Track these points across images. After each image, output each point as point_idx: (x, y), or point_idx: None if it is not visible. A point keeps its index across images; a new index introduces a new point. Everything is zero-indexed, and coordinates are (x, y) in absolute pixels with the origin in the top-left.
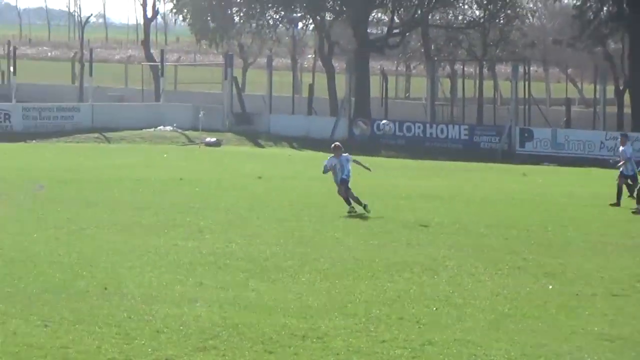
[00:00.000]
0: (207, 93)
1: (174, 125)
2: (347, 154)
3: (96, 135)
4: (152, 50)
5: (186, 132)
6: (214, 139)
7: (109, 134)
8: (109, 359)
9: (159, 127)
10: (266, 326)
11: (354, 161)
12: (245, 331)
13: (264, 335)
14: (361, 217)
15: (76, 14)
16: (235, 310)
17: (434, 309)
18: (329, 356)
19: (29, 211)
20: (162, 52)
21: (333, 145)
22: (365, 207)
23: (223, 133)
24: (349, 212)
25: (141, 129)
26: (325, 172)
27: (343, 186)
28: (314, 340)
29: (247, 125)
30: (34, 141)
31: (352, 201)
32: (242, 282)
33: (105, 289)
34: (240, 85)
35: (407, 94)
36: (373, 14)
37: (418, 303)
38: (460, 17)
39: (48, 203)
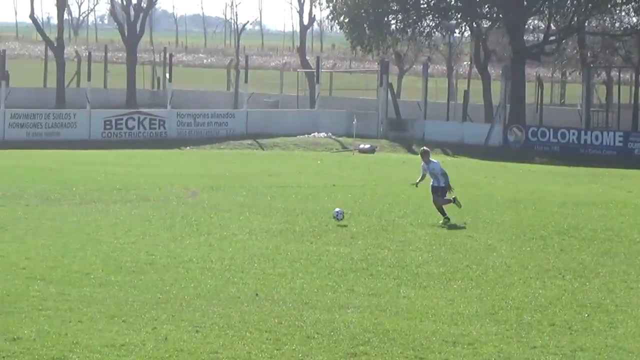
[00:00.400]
0: (362, 99)
1: (329, 132)
2: (437, 163)
3: (250, 142)
4: (307, 57)
5: (340, 139)
6: (368, 146)
7: (262, 141)
8: None
9: (313, 134)
10: (417, 332)
11: (445, 175)
12: (396, 337)
13: (414, 342)
14: (516, 223)
15: (232, 21)
16: (387, 316)
17: (586, 315)
18: None
19: (182, 217)
20: (317, 59)
21: (421, 149)
22: (445, 220)
23: (377, 139)
24: (444, 223)
25: (295, 136)
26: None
27: (435, 195)
28: (465, 346)
29: (402, 132)
30: (187, 148)
31: (445, 210)
32: (394, 288)
33: (257, 294)
34: (395, 92)
35: (562, 101)
36: (529, 21)
37: (569, 309)
38: (617, 24)
39: (201, 209)
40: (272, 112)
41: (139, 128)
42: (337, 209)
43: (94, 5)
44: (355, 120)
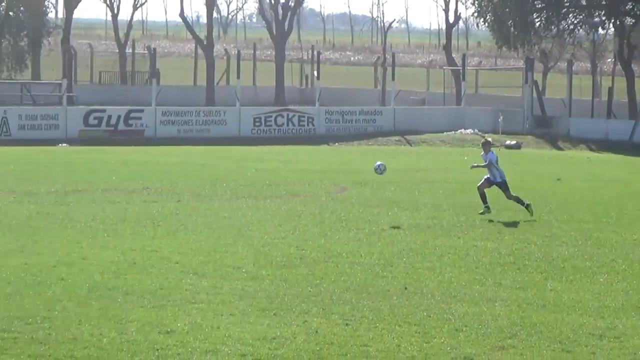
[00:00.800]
0: (507, 97)
1: (475, 128)
2: (494, 155)
3: (397, 138)
4: (453, 55)
5: (486, 135)
6: (514, 142)
7: (410, 137)
8: (408, 357)
9: (459, 130)
10: (564, 325)
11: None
12: (543, 330)
13: (561, 334)
14: None
15: (379, 19)
16: (534, 309)
17: None
18: (626, 355)
19: (331, 212)
20: (463, 57)
21: (483, 141)
22: (485, 209)
23: (523, 136)
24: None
25: (442, 132)
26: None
27: (506, 192)
28: (611, 339)
29: (547, 129)
30: (336, 144)
31: (487, 201)
32: (540, 282)
33: (405, 288)
34: (540, 89)
35: None
36: None
37: None
38: None
39: (349, 205)
40: (419, 109)
41: (287, 125)
42: (378, 163)
43: (243, 4)
44: (501, 117)
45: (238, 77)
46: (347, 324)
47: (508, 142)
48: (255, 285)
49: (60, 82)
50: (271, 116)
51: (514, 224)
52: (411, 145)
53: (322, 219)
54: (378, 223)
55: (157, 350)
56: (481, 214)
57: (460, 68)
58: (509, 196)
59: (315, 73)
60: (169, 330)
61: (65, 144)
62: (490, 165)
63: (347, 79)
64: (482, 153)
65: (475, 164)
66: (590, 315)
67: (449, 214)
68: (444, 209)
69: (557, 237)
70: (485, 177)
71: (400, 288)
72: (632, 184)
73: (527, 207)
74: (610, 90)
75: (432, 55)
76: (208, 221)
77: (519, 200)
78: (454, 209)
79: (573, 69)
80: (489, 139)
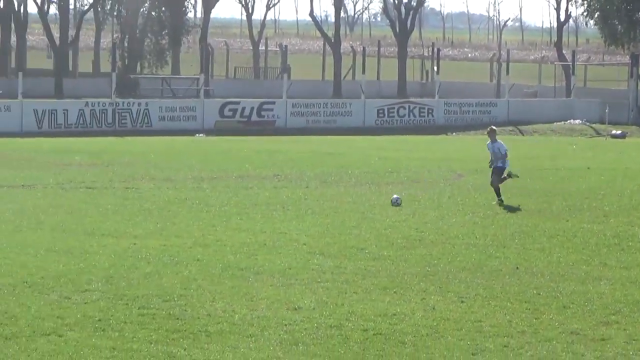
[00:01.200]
0: (613, 89)
1: (583, 119)
2: (502, 144)
3: (511, 128)
4: (564, 51)
5: (593, 125)
6: (619, 132)
7: (522, 127)
8: (518, 332)
9: (569, 121)
10: None
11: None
12: None
13: None
14: None
15: (495, 18)
16: (637, 287)
17: None
18: None
19: (449, 197)
20: (573, 53)
21: (488, 129)
22: (499, 201)
23: (628, 126)
24: (498, 204)
25: (552, 123)
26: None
27: (496, 176)
28: None
29: None
30: (454, 134)
31: (500, 192)
32: None
33: (517, 268)
34: None
35: None
36: None
37: None
38: None
39: (466, 190)
40: (531, 101)
41: (409, 116)
42: (395, 196)
43: (368, 4)
44: (607, 108)
45: (363, 72)
46: (462, 301)
47: (614, 131)
48: (377, 265)
49: (197, 76)
50: (394, 108)
51: (620, 209)
52: (523, 135)
53: (440, 203)
54: (492, 207)
55: (285, 325)
56: (497, 203)
57: (570, 63)
58: (494, 181)
59: (435, 68)
60: (296, 307)
61: (202, 134)
62: (495, 153)
63: (464, 73)
64: (489, 141)
65: (505, 175)
66: None
67: (557, 199)
68: (553, 194)
69: None
70: (496, 165)
71: (512, 268)
72: None
73: (500, 202)
74: None
75: (543, 52)
76: (334, 205)
77: (497, 191)
78: (563, 195)
79: None
80: (495, 128)
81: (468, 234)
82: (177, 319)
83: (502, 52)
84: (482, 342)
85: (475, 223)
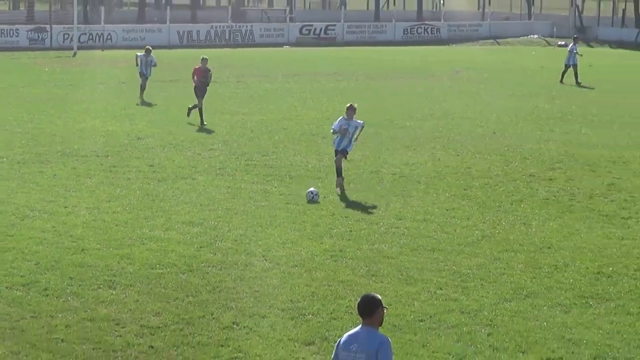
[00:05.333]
0: (561, 15)
1: (539, 34)
2: (361, 120)
3: (491, 41)
4: None
5: (546, 39)
6: (563, 42)
7: (499, 40)
8: (495, 174)
9: (529, 36)
10: None
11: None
12: None
13: None
14: None
15: None
16: (573, 145)
17: None
18: None
19: (450, 87)
20: None
21: (348, 105)
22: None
23: (569, 38)
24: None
25: (519, 37)
26: (333, 133)
27: (342, 155)
28: None
29: (583, 34)
30: (453, 45)
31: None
32: None
33: (494, 133)
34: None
35: None
36: None
37: None
38: None
39: (463, 81)
40: (504, 22)
41: (424, 33)
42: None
43: None
44: (555, 27)
45: (395, 4)
46: (457, 155)
47: (559, 42)
48: (402, 131)
49: (285, 8)
50: (414, 28)
51: (562, 92)
52: (499, 45)
53: (444, 89)
54: (477, 91)
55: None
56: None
57: None
58: (339, 160)
59: (442, 1)
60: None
61: (288, 46)
62: (346, 132)
63: (460, 4)
64: (344, 117)
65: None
66: None
67: (521, 87)
68: (520, 85)
69: None
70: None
71: (491, 133)
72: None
73: (341, 188)
74: None
75: None
76: (375, 92)
77: (339, 171)
78: (527, 85)
79: None
80: (355, 105)
81: (464, 111)
82: (270, 167)
83: None
84: (470, 182)
85: (467, 105)
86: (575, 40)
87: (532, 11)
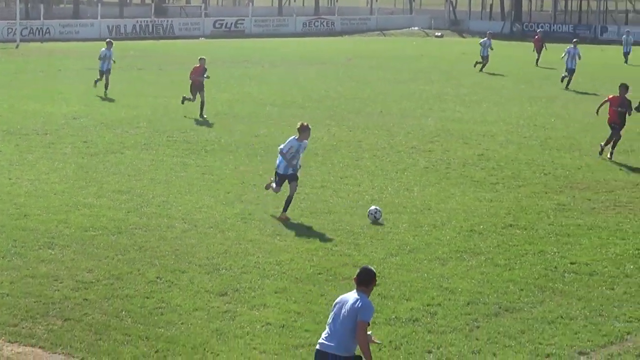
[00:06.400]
0: (438, 9)
1: (419, 27)
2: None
3: (378, 32)
4: None
5: (425, 30)
6: (439, 34)
7: (385, 32)
8: (380, 147)
9: (410, 28)
10: None
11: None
12: None
13: None
14: None
15: None
16: (450, 121)
17: None
18: None
19: (343, 72)
20: None
21: (301, 124)
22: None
23: (445, 30)
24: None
25: (402, 29)
26: (281, 154)
27: (285, 180)
28: None
29: (456, 26)
30: (346, 36)
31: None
32: None
33: (381, 111)
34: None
35: None
36: None
37: None
38: None
39: (353, 67)
40: (389, 16)
41: (321, 26)
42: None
43: None
44: (432, 20)
45: (295, 0)
46: (350, 131)
47: (437, 34)
48: (315, 103)
49: (201, 5)
50: (312, 21)
51: (440, 74)
52: (385, 36)
53: (338, 74)
54: (370, 77)
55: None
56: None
57: None
58: (293, 189)
59: None
60: (257, 134)
61: (203, 38)
62: (297, 155)
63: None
64: (295, 137)
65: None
66: None
67: (404, 72)
68: (402, 70)
69: None
70: (284, 172)
71: (378, 111)
72: None
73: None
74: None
75: None
76: (279, 77)
77: (286, 204)
78: (407, 71)
79: None
80: (308, 125)
81: (355, 93)
82: (188, 142)
83: None
84: (361, 154)
85: (358, 88)
86: (489, 36)
87: (412, 6)
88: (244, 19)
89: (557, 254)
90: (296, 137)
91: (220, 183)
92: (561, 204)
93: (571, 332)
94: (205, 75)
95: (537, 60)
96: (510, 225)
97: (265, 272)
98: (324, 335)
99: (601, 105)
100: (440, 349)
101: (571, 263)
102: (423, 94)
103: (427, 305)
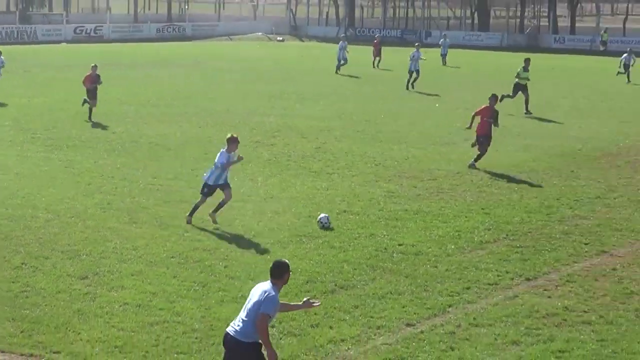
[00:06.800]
0: (280, 17)
1: (262, 32)
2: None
3: (225, 37)
4: None
5: (268, 35)
6: (281, 38)
7: (232, 37)
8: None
9: (254, 33)
10: None
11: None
12: None
13: None
14: None
15: None
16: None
17: None
18: None
19: (201, 76)
20: None
21: (230, 136)
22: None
23: (285, 35)
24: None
25: (247, 34)
26: (216, 169)
27: (216, 190)
28: None
29: (296, 31)
30: (198, 41)
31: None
32: None
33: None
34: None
35: None
36: None
37: None
38: None
39: (207, 69)
40: (237, 23)
41: (175, 31)
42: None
43: None
44: (273, 26)
45: (149, 9)
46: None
47: (279, 38)
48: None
49: (62, 13)
50: (166, 27)
51: (298, 72)
52: (232, 40)
53: (190, 75)
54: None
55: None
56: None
57: (254, 3)
58: (229, 196)
59: (187, 7)
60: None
61: (64, 43)
62: (227, 166)
63: (204, 9)
64: (224, 150)
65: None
66: None
67: (250, 73)
68: (249, 70)
69: None
70: (215, 182)
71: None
72: None
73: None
74: None
75: None
76: (132, 80)
77: (220, 207)
78: (256, 70)
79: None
80: (237, 136)
81: (204, 92)
82: (51, 139)
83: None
84: (209, 148)
85: (207, 87)
86: (417, 47)
87: (256, 14)
88: (102, 26)
89: (386, 236)
90: (225, 149)
91: (80, 176)
92: (390, 191)
93: (399, 306)
94: (98, 82)
95: (374, 62)
96: (345, 211)
97: (122, 257)
98: (235, 319)
99: (473, 118)
100: (282, 324)
101: (399, 244)
102: (266, 93)
103: None
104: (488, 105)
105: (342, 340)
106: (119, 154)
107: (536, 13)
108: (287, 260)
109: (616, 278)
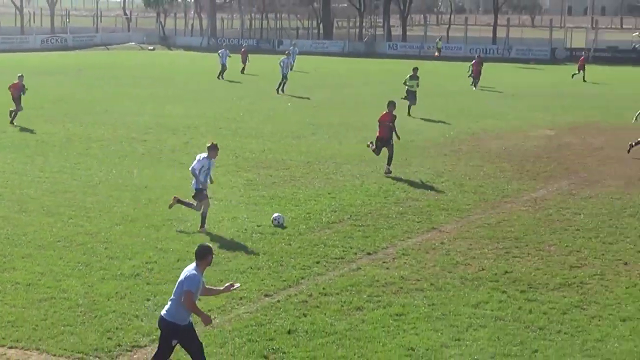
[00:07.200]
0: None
1: (137, 42)
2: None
3: (159, 46)
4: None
5: (141, 45)
6: (152, 47)
7: (169, 44)
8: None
9: (128, 43)
10: None
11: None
12: None
13: None
14: None
15: None
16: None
17: None
18: None
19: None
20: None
21: (211, 143)
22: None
23: (157, 44)
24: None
25: (125, 43)
26: (194, 174)
27: (201, 197)
28: None
29: (165, 41)
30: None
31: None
32: None
33: (288, 104)
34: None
35: None
36: None
37: None
38: None
39: (87, 78)
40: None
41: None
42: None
43: None
44: (145, 36)
45: (54, 23)
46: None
47: (150, 47)
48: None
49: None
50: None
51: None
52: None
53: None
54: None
55: None
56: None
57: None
58: (203, 205)
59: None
60: None
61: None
62: (208, 171)
63: None
64: (204, 155)
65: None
66: None
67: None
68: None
69: None
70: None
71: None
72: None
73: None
74: None
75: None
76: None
77: (204, 219)
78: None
79: None
80: (217, 143)
81: (84, 96)
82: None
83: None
84: (90, 144)
85: (87, 92)
86: (288, 55)
87: (130, 26)
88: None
89: (247, 219)
90: (205, 155)
91: None
92: (249, 179)
93: (258, 279)
94: (23, 91)
95: (243, 69)
96: (210, 198)
97: (14, 242)
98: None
99: (378, 124)
100: (157, 297)
101: (257, 226)
102: (139, 96)
103: (146, 263)
104: (387, 111)
105: (209, 310)
106: (9, 150)
107: (373, 23)
108: (209, 244)
109: (444, 251)
